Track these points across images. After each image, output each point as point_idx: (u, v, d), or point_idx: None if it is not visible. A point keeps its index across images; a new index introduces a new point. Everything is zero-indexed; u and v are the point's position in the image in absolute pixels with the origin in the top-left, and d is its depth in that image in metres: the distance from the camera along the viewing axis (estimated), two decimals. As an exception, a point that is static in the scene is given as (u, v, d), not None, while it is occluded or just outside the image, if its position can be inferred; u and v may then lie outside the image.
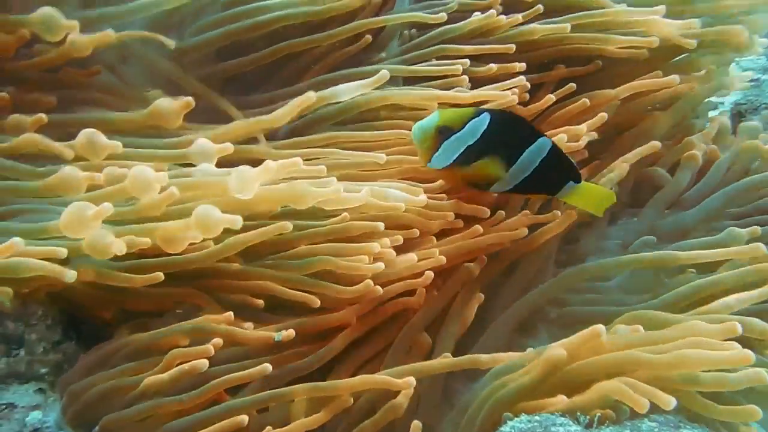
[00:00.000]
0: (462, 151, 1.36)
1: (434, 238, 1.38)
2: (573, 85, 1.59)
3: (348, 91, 1.36)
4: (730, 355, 1.04)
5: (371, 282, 1.23)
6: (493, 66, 1.53)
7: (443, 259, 1.32)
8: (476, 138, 1.35)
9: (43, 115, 1.19)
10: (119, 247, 1.05)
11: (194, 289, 1.24)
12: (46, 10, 1.17)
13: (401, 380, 1.16)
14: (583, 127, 1.49)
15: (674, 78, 1.61)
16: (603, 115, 1.53)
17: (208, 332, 1.17)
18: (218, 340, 1.15)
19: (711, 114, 1.92)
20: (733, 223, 1.53)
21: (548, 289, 1.48)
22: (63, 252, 1.05)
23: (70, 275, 1.06)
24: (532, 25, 1.59)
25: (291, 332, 1.19)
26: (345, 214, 1.25)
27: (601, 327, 1.12)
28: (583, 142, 1.49)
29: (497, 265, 1.48)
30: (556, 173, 1.42)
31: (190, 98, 1.21)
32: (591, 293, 1.54)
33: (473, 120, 1.35)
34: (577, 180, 1.43)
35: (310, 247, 1.26)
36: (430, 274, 1.30)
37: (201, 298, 1.24)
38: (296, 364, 1.23)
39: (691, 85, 1.68)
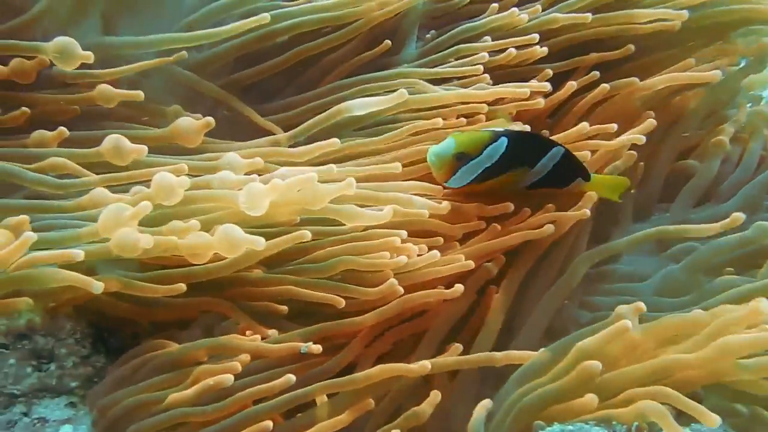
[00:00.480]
0: (479, 173, 1.38)
1: (458, 243, 1.36)
2: (596, 74, 1.56)
3: (365, 106, 1.38)
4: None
5: (395, 281, 1.22)
6: (513, 51, 1.51)
7: (471, 263, 1.30)
8: (494, 161, 1.37)
9: (64, 129, 1.21)
10: (147, 241, 1.06)
11: (218, 299, 1.25)
12: (63, 40, 1.19)
13: (416, 365, 1.16)
14: (614, 125, 1.48)
15: (716, 73, 1.55)
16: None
17: (235, 348, 1.18)
18: (245, 357, 1.16)
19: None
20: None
21: (566, 285, 1.43)
22: (79, 254, 1.06)
23: (96, 286, 1.07)
24: (552, 14, 1.57)
25: (318, 346, 1.19)
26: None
27: (627, 322, 1.08)
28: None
29: (525, 264, 1.44)
30: (567, 174, 1.44)
31: (210, 118, 1.23)
32: (624, 295, 1.49)
33: (492, 145, 1.36)
34: (587, 178, 1.45)
35: (330, 249, 1.25)
36: (460, 286, 1.27)
37: (225, 307, 1.24)
38: (318, 369, 1.23)
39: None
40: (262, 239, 1.07)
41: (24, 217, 1.09)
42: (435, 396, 1.18)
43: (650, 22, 1.58)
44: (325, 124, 1.42)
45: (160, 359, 1.19)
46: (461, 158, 1.35)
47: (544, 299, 1.42)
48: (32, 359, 1.20)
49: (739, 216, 1.37)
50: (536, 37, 1.53)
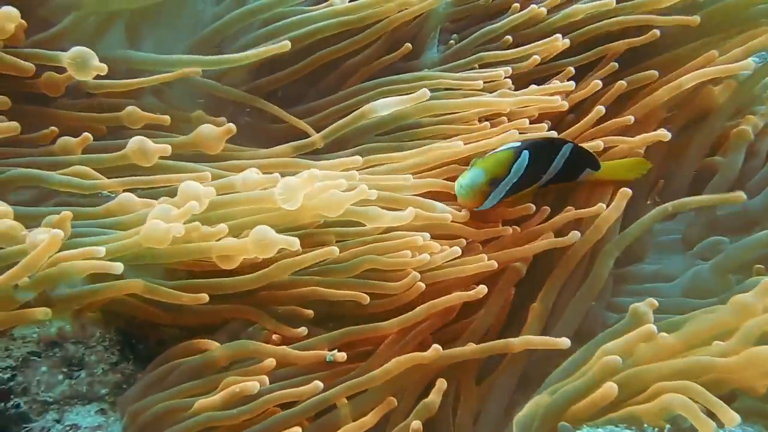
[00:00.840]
0: (508, 190, 1.41)
1: (480, 246, 1.37)
2: (615, 65, 1.57)
3: (388, 106, 1.38)
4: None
5: (417, 275, 1.22)
6: (537, 57, 1.51)
7: (494, 263, 1.31)
8: (520, 176, 1.41)
9: (88, 135, 1.23)
10: (178, 229, 1.07)
11: (244, 306, 1.25)
12: (79, 50, 1.20)
13: (428, 352, 1.16)
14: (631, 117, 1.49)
15: (747, 62, 1.52)
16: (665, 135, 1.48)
17: (262, 353, 1.18)
18: (271, 361, 1.16)
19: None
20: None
21: (593, 285, 1.42)
22: (101, 251, 1.07)
23: (117, 267, 1.07)
24: (573, 6, 1.56)
25: (343, 354, 1.20)
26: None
27: (652, 326, 1.08)
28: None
29: (561, 275, 1.43)
30: (576, 167, 1.48)
31: (231, 125, 1.24)
32: (651, 296, 1.45)
33: (516, 162, 1.40)
34: (596, 168, 1.48)
35: (353, 250, 1.25)
36: (483, 287, 1.27)
37: (252, 313, 1.25)
38: (347, 377, 1.23)
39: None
40: (296, 240, 1.09)
41: (67, 214, 1.10)
42: (441, 384, 1.18)
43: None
44: (351, 127, 1.42)
45: (188, 365, 1.20)
46: (493, 183, 1.38)
47: (572, 302, 1.41)
48: (63, 366, 1.22)
49: (740, 194, 1.37)
50: (558, 37, 1.53)
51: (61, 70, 1.28)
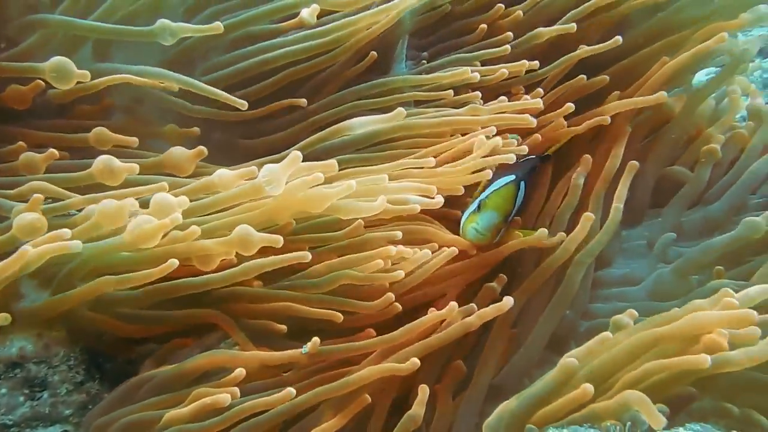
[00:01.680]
0: (512, 217, 1.50)
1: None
2: (583, 77, 1.63)
3: (364, 125, 1.40)
4: (734, 314, 1.01)
5: (392, 295, 1.23)
6: (504, 71, 1.55)
7: (455, 250, 1.34)
8: (522, 201, 1.51)
9: (54, 151, 1.22)
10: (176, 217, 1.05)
11: (216, 311, 1.24)
12: (59, 60, 1.20)
13: (405, 364, 1.15)
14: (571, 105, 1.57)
15: (661, 94, 1.58)
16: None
17: (236, 359, 1.16)
18: (240, 371, 1.13)
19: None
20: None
21: (565, 295, 1.45)
22: (78, 245, 1.05)
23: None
24: (537, 30, 1.63)
25: (316, 340, 1.18)
26: (360, 221, 1.25)
27: (606, 333, 1.11)
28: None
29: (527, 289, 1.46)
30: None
31: (202, 147, 1.24)
32: (618, 301, 1.50)
33: (519, 193, 1.49)
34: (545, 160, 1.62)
35: (328, 263, 1.25)
36: (454, 304, 1.27)
37: (222, 319, 1.23)
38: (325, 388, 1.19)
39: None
40: (280, 238, 1.09)
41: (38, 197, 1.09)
42: (423, 393, 1.17)
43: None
44: (325, 143, 1.43)
45: (158, 378, 1.17)
46: (505, 220, 1.45)
47: (546, 312, 1.43)
48: (25, 388, 1.18)
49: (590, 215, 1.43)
50: (525, 62, 1.58)
51: (26, 82, 1.27)
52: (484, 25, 1.65)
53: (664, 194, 1.64)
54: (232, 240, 1.10)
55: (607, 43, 1.59)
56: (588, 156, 1.56)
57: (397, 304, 1.26)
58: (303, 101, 1.51)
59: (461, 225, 1.43)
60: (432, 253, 1.29)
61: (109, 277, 1.11)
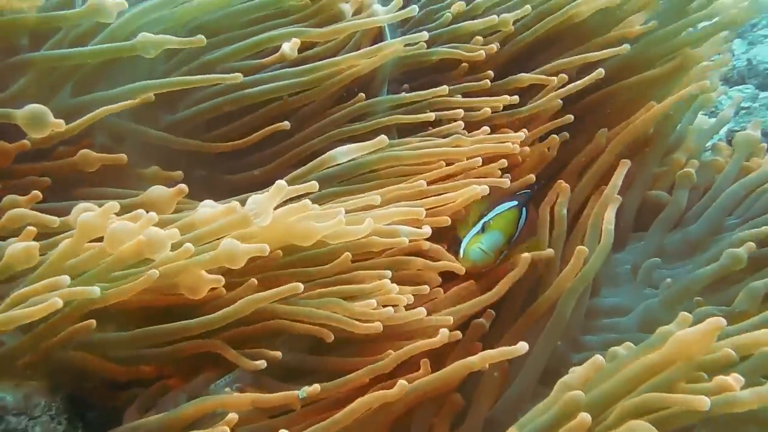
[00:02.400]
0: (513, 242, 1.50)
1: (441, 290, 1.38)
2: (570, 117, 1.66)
3: (347, 153, 1.40)
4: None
5: (380, 325, 1.21)
6: (488, 109, 1.58)
7: (450, 319, 1.31)
8: (523, 225, 1.52)
9: (37, 193, 1.19)
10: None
11: (208, 340, 1.21)
12: (34, 107, 1.18)
13: (393, 390, 1.13)
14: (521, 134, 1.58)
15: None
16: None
17: (228, 404, 1.13)
18: (233, 416, 1.09)
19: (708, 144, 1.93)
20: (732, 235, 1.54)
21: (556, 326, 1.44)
22: (66, 279, 1.03)
23: (96, 290, 1.03)
24: (519, 76, 1.67)
25: (316, 387, 1.15)
26: (348, 254, 1.24)
27: (599, 357, 1.10)
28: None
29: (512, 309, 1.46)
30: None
31: (183, 186, 1.23)
32: (608, 332, 1.50)
33: (521, 218, 1.51)
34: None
35: (319, 301, 1.23)
36: (446, 331, 1.25)
37: (216, 346, 1.20)
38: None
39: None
40: (266, 245, 1.08)
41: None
42: (403, 390, 1.14)
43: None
44: (311, 175, 1.43)
45: (146, 428, 1.12)
46: (508, 243, 1.47)
47: (538, 344, 1.42)
48: (4, 441, 1.13)
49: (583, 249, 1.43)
50: (507, 98, 1.62)
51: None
52: (465, 65, 1.67)
53: (646, 218, 1.68)
54: (218, 255, 1.08)
55: (590, 75, 1.64)
56: (566, 185, 1.58)
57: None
58: (286, 124, 1.50)
59: (462, 248, 1.43)
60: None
61: (94, 288, 1.06)
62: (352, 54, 1.50)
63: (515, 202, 1.52)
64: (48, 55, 1.34)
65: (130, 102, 1.32)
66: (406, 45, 1.58)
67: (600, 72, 1.63)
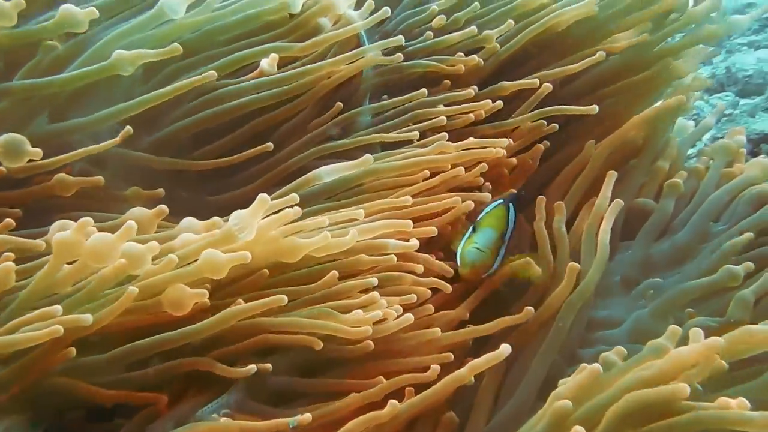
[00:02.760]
0: (508, 242, 1.47)
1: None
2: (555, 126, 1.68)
3: (332, 173, 1.40)
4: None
5: (371, 343, 1.21)
6: (471, 116, 1.59)
7: (438, 330, 1.32)
8: (514, 225, 1.50)
9: (11, 221, 1.17)
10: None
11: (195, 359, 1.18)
12: (11, 137, 1.16)
13: (385, 410, 1.12)
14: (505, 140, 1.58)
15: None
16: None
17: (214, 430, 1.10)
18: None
19: (690, 151, 1.94)
20: (720, 242, 1.54)
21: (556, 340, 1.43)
22: (58, 309, 1.02)
23: (88, 318, 1.02)
24: (501, 83, 1.68)
25: (307, 416, 1.12)
26: (334, 272, 1.23)
27: (596, 366, 1.09)
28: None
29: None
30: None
31: (163, 206, 1.21)
32: (601, 345, 1.49)
33: (510, 215, 1.49)
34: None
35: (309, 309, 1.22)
36: (437, 368, 1.25)
37: (203, 364, 1.18)
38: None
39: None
40: (247, 253, 1.07)
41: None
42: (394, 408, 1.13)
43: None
44: (296, 193, 1.40)
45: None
46: (502, 237, 1.45)
47: (536, 359, 1.41)
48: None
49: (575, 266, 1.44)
50: (489, 102, 1.62)
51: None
52: (447, 81, 1.67)
53: (634, 227, 1.67)
54: (201, 266, 1.06)
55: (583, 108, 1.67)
56: (561, 203, 1.58)
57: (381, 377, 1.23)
58: (269, 145, 1.49)
59: (458, 255, 1.42)
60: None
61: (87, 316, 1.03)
62: (332, 59, 1.50)
63: (501, 200, 1.51)
64: (24, 85, 1.32)
65: (112, 141, 1.30)
66: (383, 50, 1.58)
67: (593, 108, 1.65)
